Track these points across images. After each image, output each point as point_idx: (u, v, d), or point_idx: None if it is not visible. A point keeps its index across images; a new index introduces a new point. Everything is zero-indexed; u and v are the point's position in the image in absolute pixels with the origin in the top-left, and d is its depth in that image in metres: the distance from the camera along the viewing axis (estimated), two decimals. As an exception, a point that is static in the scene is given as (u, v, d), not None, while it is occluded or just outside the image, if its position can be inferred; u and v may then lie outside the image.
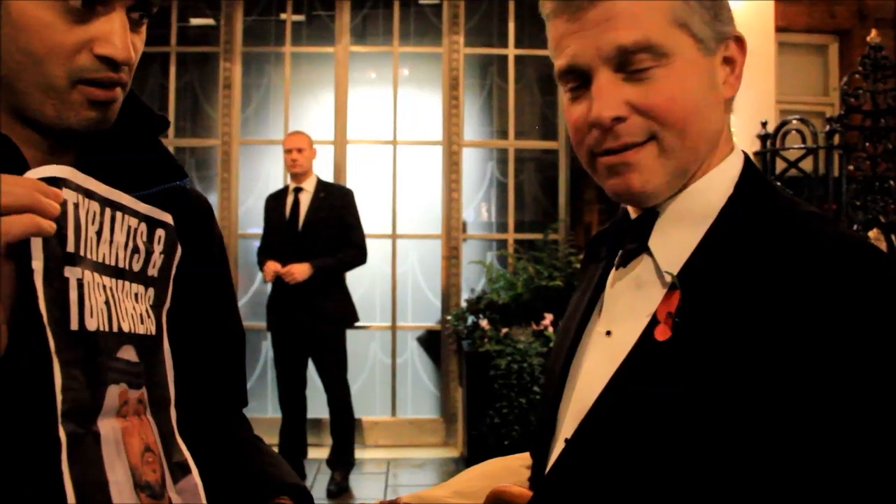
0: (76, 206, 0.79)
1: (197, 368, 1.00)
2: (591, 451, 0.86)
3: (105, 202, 0.84)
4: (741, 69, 0.91)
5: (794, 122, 3.99)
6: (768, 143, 4.04)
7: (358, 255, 4.48)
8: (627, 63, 0.85)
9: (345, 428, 4.53)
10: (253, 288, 5.53)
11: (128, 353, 0.86)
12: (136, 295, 0.90)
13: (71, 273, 0.78)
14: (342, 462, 4.50)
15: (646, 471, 0.80)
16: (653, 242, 0.90)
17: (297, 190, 4.51)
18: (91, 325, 0.80)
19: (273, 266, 4.32)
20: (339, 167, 5.43)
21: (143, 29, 0.89)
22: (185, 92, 5.56)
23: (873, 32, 3.89)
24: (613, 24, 0.84)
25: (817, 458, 0.73)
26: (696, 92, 0.86)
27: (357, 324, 4.61)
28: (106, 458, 0.79)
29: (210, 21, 5.61)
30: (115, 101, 0.87)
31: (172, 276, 0.96)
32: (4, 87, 0.83)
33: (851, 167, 3.83)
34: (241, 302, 5.50)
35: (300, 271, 4.27)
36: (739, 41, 0.91)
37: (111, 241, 0.85)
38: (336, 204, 4.48)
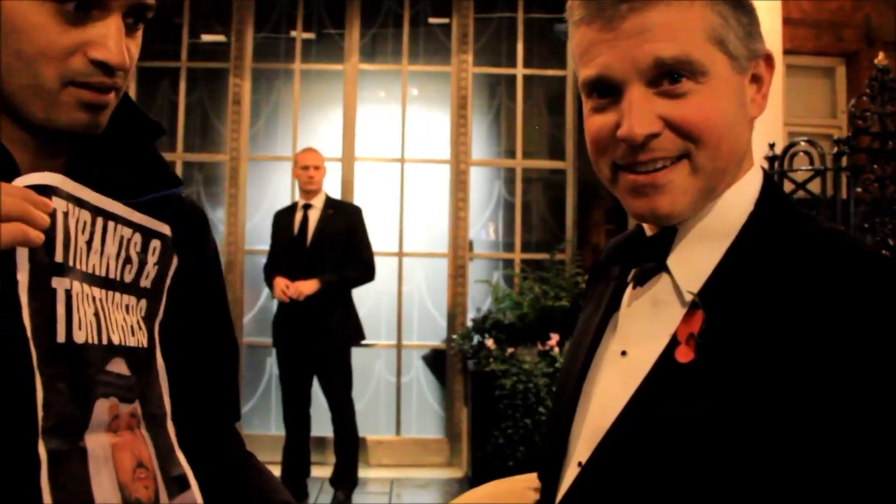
0: (66, 214, 0.77)
1: (189, 381, 0.97)
2: (608, 475, 0.83)
3: (97, 211, 0.82)
4: (768, 88, 0.89)
5: (802, 143, 3.98)
6: (776, 164, 4.03)
7: (366, 273, 4.47)
8: (663, 78, 0.82)
9: (349, 446, 4.49)
10: (258, 304, 5.53)
11: (118, 366, 0.83)
12: (126, 306, 0.87)
13: (59, 284, 0.75)
14: (345, 481, 4.47)
15: (668, 496, 0.78)
16: (672, 261, 0.87)
17: (307, 206, 4.50)
18: (79, 337, 0.77)
19: (281, 283, 4.31)
20: (347, 184, 5.44)
21: (139, 34, 0.87)
22: (194, 107, 5.59)
23: (881, 55, 3.89)
24: (651, 35, 0.81)
25: (846, 484, 0.72)
26: (729, 111, 0.84)
27: (363, 342, 4.60)
28: (93, 475, 0.76)
29: (221, 37, 5.65)
30: (108, 106, 0.84)
31: (167, 288, 0.93)
32: None
33: (859, 189, 3.82)
34: (247, 318, 5.49)
35: (307, 287, 4.26)
36: (768, 59, 0.89)
37: (102, 252, 0.83)
38: (345, 221, 4.48)
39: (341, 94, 5.53)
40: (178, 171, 5.47)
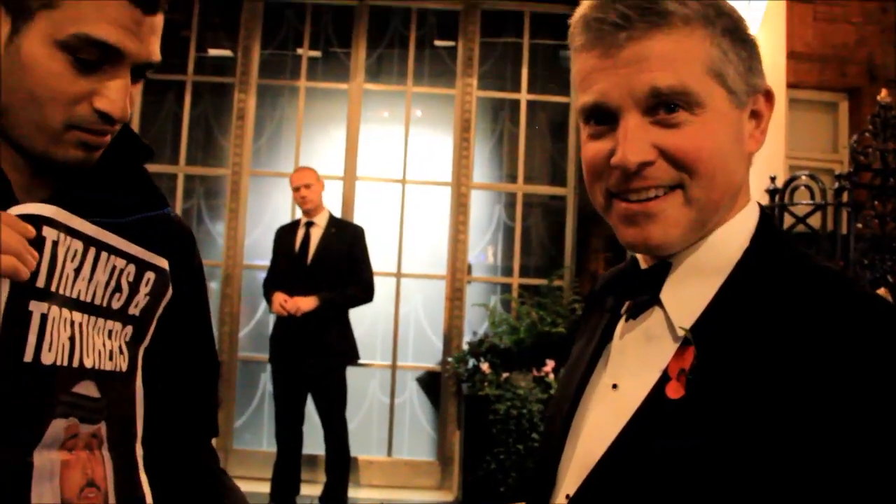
0: (56, 243, 0.81)
1: (169, 400, 0.99)
2: None
3: (90, 241, 0.85)
4: (767, 124, 0.89)
5: (804, 177, 3.99)
6: (777, 197, 4.03)
7: (365, 293, 4.47)
8: (659, 107, 0.81)
9: (340, 466, 4.46)
10: (255, 319, 5.51)
11: (86, 389, 0.85)
12: (110, 331, 0.90)
13: (36, 308, 0.79)
14: (334, 500, 4.43)
15: None
16: (665, 295, 0.87)
17: (309, 224, 4.51)
18: (47, 359, 0.80)
19: (280, 297, 4.30)
20: (348, 203, 5.44)
21: (141, 83, 0.92)
22: (198, 121, 5.61)
23: (883, 92, 3.91)
24: (648, 65, 0.81)
25: None
26: (724, 144, 0.83)
27: (358, 361, 4.57)
28: (35, 490, 0.78)
29: (227, 52, 5.68)
30: (104, 146, 0.89)
31: (157, 316, 0.97)
32: (1, 114, 0.86)
33: (860, 225, 3.82)
34: (242, 332, 5.47)
35: (305, 303, 4.26)
36: (768, 95, 0.89)
37: (90, 279, 0.86)
38: (346, 240, 4.47)
39: (345, 113, 5.55)
40: (180, 183, 5.48)
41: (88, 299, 0.86)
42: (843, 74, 5.25)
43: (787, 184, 4.04)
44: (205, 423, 1.11)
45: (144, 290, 0.93)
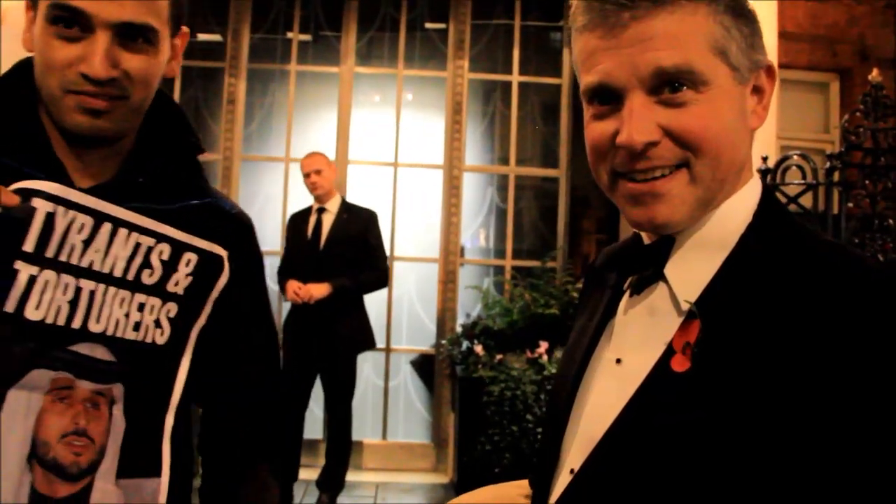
0: (51, 214, 0.91)
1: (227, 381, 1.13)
2: (601, 483, 0.83)
3: (102, 217, 0.95)
4: (769, 100, 0.89)
5: (795, 157, 4.00)
6: (769, 177, 4.04)
7: (379, 279, 4.44)
8: (663, 86, 0.81)
9: (341, 452, 4.44)
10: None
11: (91, 350, 0.95)
12: (141, 304, 1.00)
13: (24, 268, 0.90)
14: (332, 484, 4.44)
15: None
16: (669, 270, 0.87)
17: (321, 210, 4.45)
18: (33, 315, 0.91)
19: (293, 285, 4.26)
20: (340, 187, 5.42)
21: (145, 48, 1.01)
22: (188, 106, 5.57)
23: (874, 72, 3.91)
24: (653, 44, 0.80)
25: (842, 494, 0.71)
26: (729, 121, 0.83)
27: (375, 347, 4.55)
28: (4, 423, 0.88)
29: (217, 37, 5.64)
30: (111, 112, 0.98)
31: (213, 299, 1.07)
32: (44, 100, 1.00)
33: (851, 204, 3.83)
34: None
35: (318, 290, 4.21)
36: (770, 71, 0.89)
37: (107, 252, 0.96)
38: (359, 225, 4.43)
39: (336, 97, 5.53)
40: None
41: (106, 270, 0.96)
42: (833, 54, 5.26)
43: (778, 164, 4.05)
44: (257, 430, 1.19)
45: (185, 269, 1.03)
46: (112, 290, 0.97)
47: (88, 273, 0.94)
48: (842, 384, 0.72)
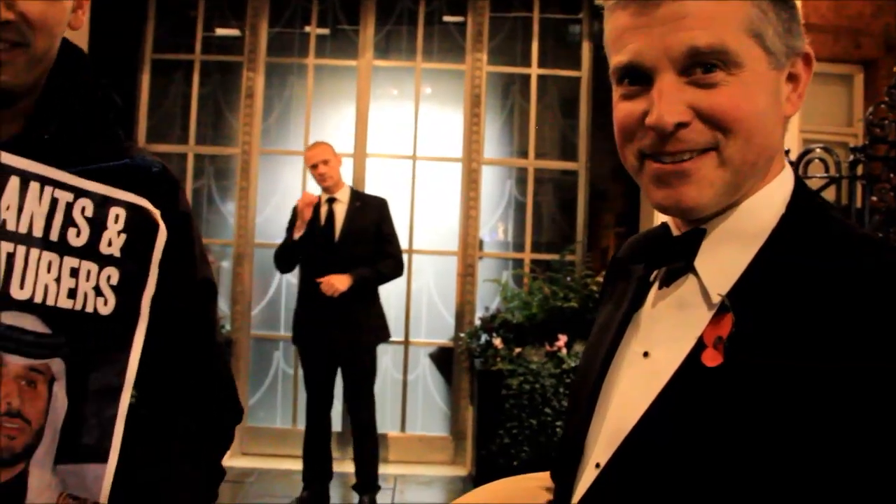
0: None
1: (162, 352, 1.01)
2: (629, 478, 0.81)
3: (8, 171, 0.85)
4: (804, 88, 0.87)
5: (818, 150, 3.95)
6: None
7: (395, 268, 4.36)
8: (695, 67, 0.80)
9: (370, 451, 4.32)
10: (267, 298, 5.52)
11: (19, 320, 0.85)
12: (73, 269, 0.89)
13: None
14: (369, 486, 4.31)
15: (691, 501, 0.76)
16: (699, 262, 0.85)
17: (331, 200, 4.35)
18: None
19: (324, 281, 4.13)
20: (359, 181, 5.43)
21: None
22: (207, 100, 5.59)
23: (900, 63, 3.86)
24: (686, 23, 0.79)
25: (875, 494, 0.70)
26: (761, 105, 0.81)
27: (390, 339, 4.49)
28: None
29: (235, 31, 5.65)
30: (11, 63, 0.88)
31: (156, 261, 0.96)
32: None
33: (875, 198, 3.78)
34: (255, 311, 5.49)
35: (341, 283, 4.10)
36: (807, 59, 0.87)
37: (20, 208, 0.85)
38: (372, 214, 4.36)
39: (354, 90, 5.53)
40: (190, 163, 5.47)
41: (23, 230, 0.86)
42: (857, 46, 5.19)
43: (801, 157, 4.01)
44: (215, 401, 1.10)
45: (115, 227, 0.93)
46: (35, 251, 0.86)
47: (2, 233, 0.84)
48: (881, 382, 0.70)
